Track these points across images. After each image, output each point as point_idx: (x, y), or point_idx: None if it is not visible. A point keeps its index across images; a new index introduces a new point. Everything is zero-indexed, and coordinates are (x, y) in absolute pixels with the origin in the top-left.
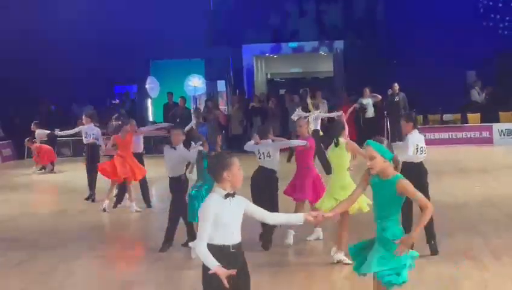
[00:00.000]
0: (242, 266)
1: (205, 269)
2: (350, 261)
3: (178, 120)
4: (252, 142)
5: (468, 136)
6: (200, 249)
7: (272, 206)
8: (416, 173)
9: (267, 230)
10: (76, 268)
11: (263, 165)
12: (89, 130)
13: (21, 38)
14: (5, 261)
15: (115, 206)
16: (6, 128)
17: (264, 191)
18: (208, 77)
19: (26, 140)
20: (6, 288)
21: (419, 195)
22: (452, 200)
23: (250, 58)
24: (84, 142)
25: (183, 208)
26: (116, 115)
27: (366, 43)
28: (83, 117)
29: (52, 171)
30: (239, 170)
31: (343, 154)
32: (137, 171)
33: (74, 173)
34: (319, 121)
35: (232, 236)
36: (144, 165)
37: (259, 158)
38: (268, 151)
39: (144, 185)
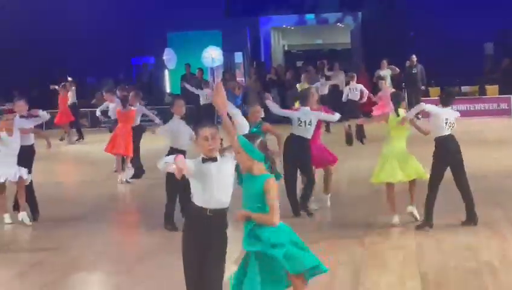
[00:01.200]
0: (218, 230)
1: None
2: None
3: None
4: (276, 106)
5: (486, 108)
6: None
7: (309, 177)
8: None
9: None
10: (94, 238)
11: (300, 134)
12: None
13: (40, 10)
14: (26, 230)
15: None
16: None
17: (299, 160)
18: (225, 48)
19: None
20: (29, 256)
21: (275, 204)
22: (471, 172)
23: (268, 30)
24: (113, 118)
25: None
26: (120, 86)
27: (384, 15)
28: (104, 93)
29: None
30: (205, 140)
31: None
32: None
33: (94, 144)
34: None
35: (210, 200)
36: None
37: (299, 126)
38: (311, 120)
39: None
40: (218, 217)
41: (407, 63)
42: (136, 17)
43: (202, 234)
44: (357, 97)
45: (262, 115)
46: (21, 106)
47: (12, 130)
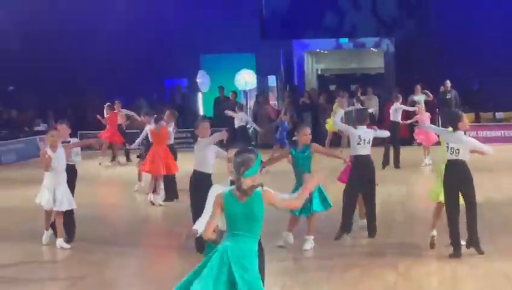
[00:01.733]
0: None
1: None
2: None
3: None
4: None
5: None
6: None
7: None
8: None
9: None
10: (129, 260)
11: (360, 153)
12: None
13: (75, 29)
14: (60, 252)
15: (166, 199)
16: (57, 120)
17: (364, 179)
18: (258, 71)
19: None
20: (64, 276)
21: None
22: (506, 198)
23: (302, 54)
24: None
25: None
26: (145, 110)
27: (417, 39)
28: (143, 116)
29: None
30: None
31: None
32: (172, 164)
33: (127, 165)
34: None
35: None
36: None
37: (358, 144)
38: (370, 138)
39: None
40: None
41: (441, 88)
42: (170, 38)
43: None
44: (399, 118)
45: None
46: (64, 129)
47: (57, 146)
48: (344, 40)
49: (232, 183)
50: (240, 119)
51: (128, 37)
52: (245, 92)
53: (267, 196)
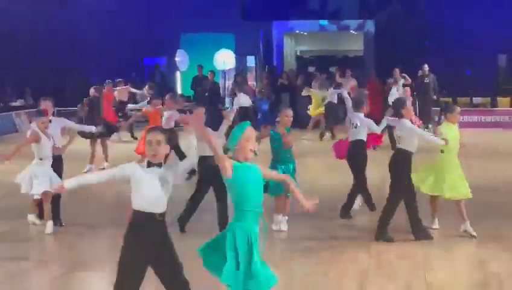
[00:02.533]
0: (165, 235)
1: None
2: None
3: (207, 94)
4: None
5: (498, 120)
6: None
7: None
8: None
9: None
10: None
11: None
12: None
13: (54, 8)
14: (33, 229)
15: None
16: (35, 96)
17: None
18: (237, 52)
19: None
20: (38, 256)
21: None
22: (482, 183)
23: (281, 35)
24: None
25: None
26: (149, 83)
27: (398, 23)
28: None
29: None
30: (148, 145)
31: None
32: None
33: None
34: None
35: (156, 205)
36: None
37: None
38: (357, 123)
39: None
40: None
41: (419, 72)
42: (149, 17)
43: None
44: None
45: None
46: (48, 106)
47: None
48: (324, 22)
49: (148, 164)
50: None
51: (108, 16)
52: (223, 72)
53: None
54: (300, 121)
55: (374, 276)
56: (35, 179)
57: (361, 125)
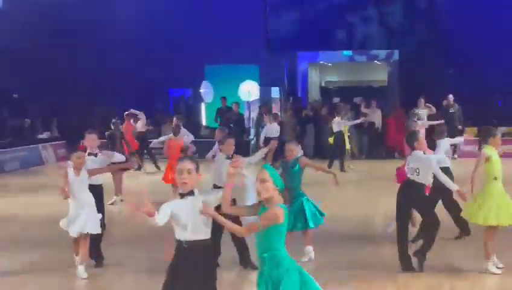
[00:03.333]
0: (197, 265)
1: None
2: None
3: (232, 125)
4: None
5: None
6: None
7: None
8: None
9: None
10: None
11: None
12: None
13: (81, 38)
14: (59, 261)
15: None
16: (61, 128)
17: None
18: (262, 83)
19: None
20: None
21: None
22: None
23: (305, 66)
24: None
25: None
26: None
27: (422, 52)
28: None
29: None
30: (179, 174)
31: (497, 163)
32: None
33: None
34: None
35: (186, 232)
36: None
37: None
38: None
39: None
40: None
41: (444, 102)
42: (174, 48)
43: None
44: None
45: (300, 153)
46: (92, 140)
47: (81, 169)
48: (348, 53)
49: (181, 195)
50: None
51: (134, 47)
52: (248, 103)
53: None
54: (326, 152)
55: None
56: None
57: None
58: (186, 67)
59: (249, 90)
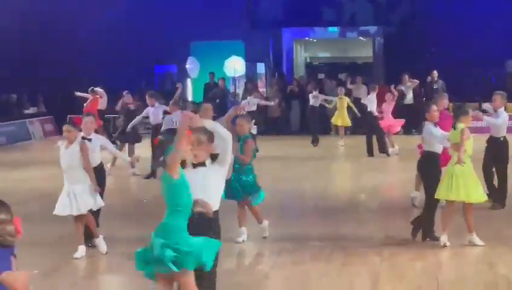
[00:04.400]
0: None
1: None
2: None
3: (217, 100)
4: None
5: (508, 125)
6: None
7: None
8: None
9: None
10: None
11: None
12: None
13: (66, 16)
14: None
15: None
16: (48, 103)
17: None
18: (247, 59)
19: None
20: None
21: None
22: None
23: (290, 42)
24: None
25: None
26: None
27: (405, 30)
28: (147, 97)
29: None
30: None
31: (470, 141)
32: None
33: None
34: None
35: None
36: None
37: None
38: None
39: None
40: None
41: (428, 78)
42: (160, 25)
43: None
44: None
45: (253, 130)
46: (89, 123)
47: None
48: (333, 29)
49: (193, 165)
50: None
51: (119, 25)
52: (234, 79)
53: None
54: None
55: (386, 278)
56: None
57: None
58: (171, 44)
59: (234, 66)
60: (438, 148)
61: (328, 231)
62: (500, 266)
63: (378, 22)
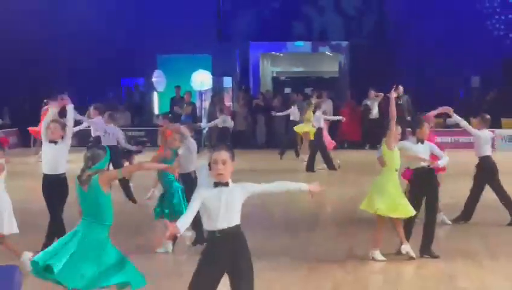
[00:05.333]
0: (235, 250)
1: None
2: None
3: (183, 114)
4: None
5: (471, 140)
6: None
7: None
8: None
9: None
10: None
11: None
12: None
13: (33, 28)
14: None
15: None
16: (13, 116)
17: None
18: (214, 73)
19: None
20: None
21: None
22: (455, 203)
23: (257, 56)
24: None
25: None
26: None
27: (371, 44)
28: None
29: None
30: (213, 164)
31: (394, 155)
32: None
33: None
34: (322, 121)
35: (216, 222)
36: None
37: None
38: None
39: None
40: (227, 235)
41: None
42: (127, 38)
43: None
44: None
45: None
46: (54, 128)
47: None
48: (300, 44)
49: (215, 185)
50: (221, 121)
51: (85, 37)
52: (200, 93)
53: (102, 176)
54: (277, 141)
55: None
56: None
57: None
58: (138, 57)
59: (201, 79)
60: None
61: (292, 244)
62: (461, 279)
63: (345, 37)
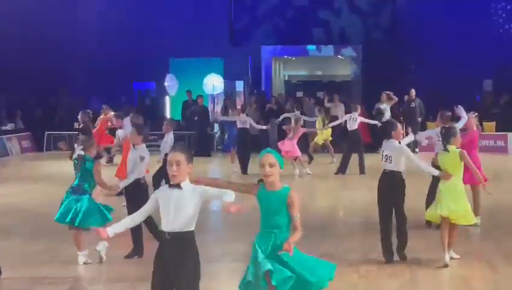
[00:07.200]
0: (177, 255)
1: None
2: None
3: (196, 118)
4: None
5: (483, 144)
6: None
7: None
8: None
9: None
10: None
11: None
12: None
13: (45, 31)
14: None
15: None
16: (25, 120)
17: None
18: (226, 76)
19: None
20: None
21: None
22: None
23: (269, 60)
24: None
25: None
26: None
27: (384, 48)
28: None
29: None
30: (170, 166)
31: (455, 161)
32: None
33: None
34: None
35: (168, 224)
36: None
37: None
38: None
39: None
40: (176, 238)
41: (406, 97)
42: (139, 41)
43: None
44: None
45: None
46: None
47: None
48: (311, 47)
49: (169, 185)
50: (239, 121)
51: (98, 40)
52: (212, 96)
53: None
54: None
55: None
56: None
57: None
58: (150, 61)
59: (213, 83)
60: (402, 167)
61: (306, 247)
62: (475, 283)
63: (358, 41)
